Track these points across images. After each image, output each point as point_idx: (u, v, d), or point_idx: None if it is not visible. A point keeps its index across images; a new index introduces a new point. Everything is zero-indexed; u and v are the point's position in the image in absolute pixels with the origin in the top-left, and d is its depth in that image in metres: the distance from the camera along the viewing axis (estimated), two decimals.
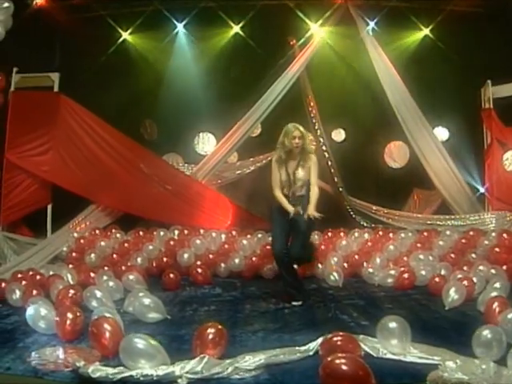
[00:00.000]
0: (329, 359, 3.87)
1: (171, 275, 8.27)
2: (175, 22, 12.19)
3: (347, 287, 8.23)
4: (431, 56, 11.91)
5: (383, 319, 4.93)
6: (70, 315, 5.45)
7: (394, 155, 13.52)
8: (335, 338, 4.52)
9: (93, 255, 9.45)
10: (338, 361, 3.82)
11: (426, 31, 12.08)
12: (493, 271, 7.87)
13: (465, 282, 7.10)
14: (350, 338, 4.59)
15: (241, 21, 12.16)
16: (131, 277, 7.80)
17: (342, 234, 10.20)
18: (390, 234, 10.15)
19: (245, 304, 7.18)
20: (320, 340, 4.73)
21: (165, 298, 7.01)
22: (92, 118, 10.88)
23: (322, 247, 9.56)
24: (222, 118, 11.91)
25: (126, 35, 12.21)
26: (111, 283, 7.42)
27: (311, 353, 4.71)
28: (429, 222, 11.49)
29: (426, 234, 10.15)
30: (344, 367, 3.76)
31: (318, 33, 11.83)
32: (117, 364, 4.38)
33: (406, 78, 11.38)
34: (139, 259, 9.27)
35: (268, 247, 9.24)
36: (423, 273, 8.25)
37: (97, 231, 10.48)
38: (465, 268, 8.14)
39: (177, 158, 12.94)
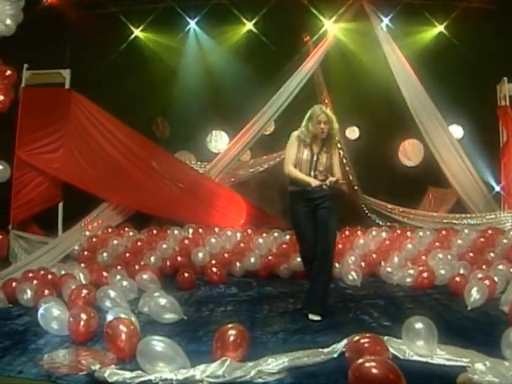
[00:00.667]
0: (358, 362, 3.75)
1: (186, 274, 8.14)
2: (187, 18, 12.13)
3: (366, 287, 8.11)
4: (446, 53, 11.74)
5: (409, 320, 4.79)
6: (83, 316, 5.32)
7: (409, 153, 13.43)
8: (362, 340, 4.38)
9: (105, 254, 9.36)
10: (367, 364, 3.70)
11: (440, 28, 11.95)
12: None
13: (486, 282, 6.98)
14: (378, 340, 4.44)
15: (254, 17, 12.04)
16: (145, 276, 7.66)
17: (359, 232, 10.07)
18: (408, 233, 9.99)
19: (262, 304, 7.04)
20: (344, 342, 4.62)
21: (180, 298, 6.84)
22: (103, 116, 10.79)
23: (340, 246, 9.35)
24: (234, 115, 11.82)
25: (137, 32, 12.14)
26: (125, 283, 7.29)
27: (335, 355, 4.58)
28: (444, 221, 11.34)
29: (444, 232, 9.99)
30: (374, 370, 3.65)
31: (332, 29, 11.67)
32: (134, 367, 4.27)
33: (421, 75, 11.22)
34: (153, 258, 9.16)
35: (284, 246, 9.19)
36: (442, 272, 8.11)
37: (109, 229, 10.38)
38: (484, 267, 8.04)
39: (189, 156, 12.90)
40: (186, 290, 7.85)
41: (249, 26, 12.10)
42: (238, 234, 9.99)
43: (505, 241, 9.30)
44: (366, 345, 4.32)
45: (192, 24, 12.16)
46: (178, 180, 10.98)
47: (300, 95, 11.21)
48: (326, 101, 11.88)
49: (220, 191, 11.31)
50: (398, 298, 7.39)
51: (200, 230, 10.21)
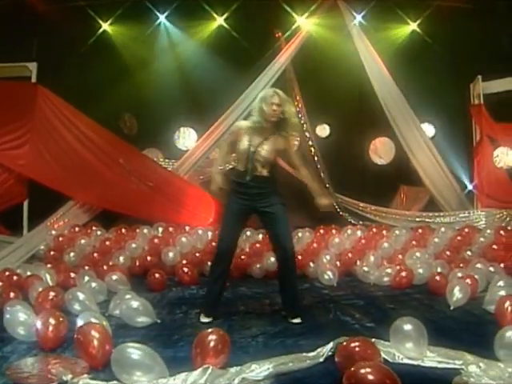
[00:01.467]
0: (353, 369, 3.55)
1: (156, 275, 7.84)
2: (157, 13, 11.92)
3: (342, 287, 7.88)
4: (419, 50, 11.82)
5: (397, 321, 4.62)
6: (52, 320, 5.01)
7: (380, 151, 13.36)
8: (352, 344, 4.17)
9: (72, 254, 9.03)
10: (362, 370, 3.51)
11: (413, 26, 11.94)
12: (491, 269, 7.70)
13: (468, 281, 6.87)
14: (368, 343, 4.25)
15: (225, 12, 11.92)
16: (114, 277, 7.37)
17: (334, 231, 9.92)
18: (384, 232, 9.88)
19: (238, 305, 6.78)
20: (330, 345, 4.44)
21: (151, 300, 6.52)
22: (70, 111, 10.60)
23: (314, 245, 9.30)
24: (203, 112, 11.75)
25: (105, 26, 11.87)
26: (94, 284, 6.99)
27: (321, 359, 4.38)
28: (417, 219, 11.45)
29: (420, 231, 9.94)
30: (370, 377, 3.47)
31: (305, 25, 11.63)
32: (108, 377, 4.02)
33: (394, 73, 11.28)
34: (121, 258, 8.84)
35: (257, 245, 8.97)
36: (421, 271, 7.95)
37: (76, 228, 10.14)
38: (461, 265, 7.95)
39: (157, 153, 12.68)
40: (156, 291, 7.56)
41: (219, 21, 11.96)
42: (210, 233, 9.73)
43: (482, 239, 9.27)
44: (357, 349, 4.12)
45: (162, 18, 11.96)
46: (146, 178, 10.86)
47: None
48: (297, 97, 11.79)
49: (189, 189, 11.21)
50: (378, 298, 7.19)
51: (170, 229, 10.01)
